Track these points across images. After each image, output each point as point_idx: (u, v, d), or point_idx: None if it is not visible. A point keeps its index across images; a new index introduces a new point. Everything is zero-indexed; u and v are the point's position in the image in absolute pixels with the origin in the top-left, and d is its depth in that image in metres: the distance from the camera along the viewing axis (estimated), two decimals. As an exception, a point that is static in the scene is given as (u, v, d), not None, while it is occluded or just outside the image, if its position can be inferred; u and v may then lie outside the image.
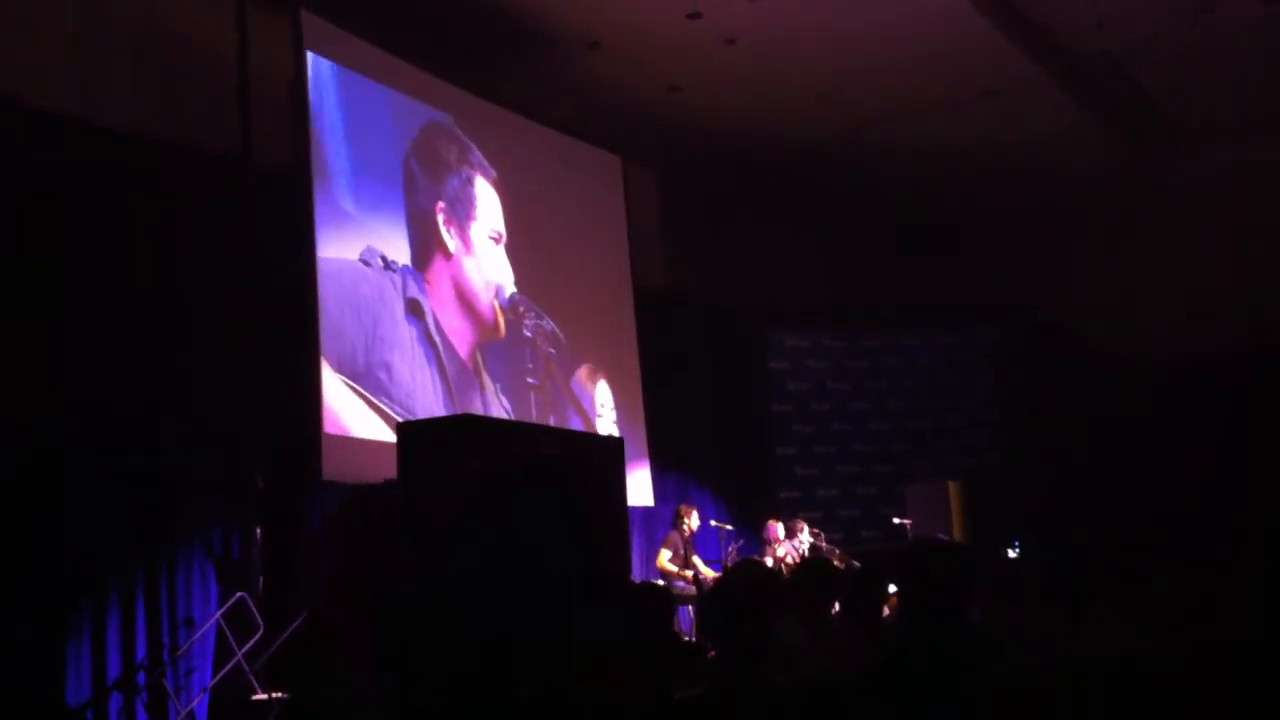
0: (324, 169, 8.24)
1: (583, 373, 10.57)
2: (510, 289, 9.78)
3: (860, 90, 10.66)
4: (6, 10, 6.94)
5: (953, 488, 11.59)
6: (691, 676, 3.40)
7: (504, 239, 9.80)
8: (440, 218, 9.23)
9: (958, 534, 11.08)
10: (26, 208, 6.76)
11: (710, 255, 12.88)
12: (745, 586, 3.94)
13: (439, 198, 9.29)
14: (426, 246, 9.07)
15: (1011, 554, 10.20)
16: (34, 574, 6.39)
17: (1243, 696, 2.88)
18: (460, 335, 9.19)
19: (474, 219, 9.59)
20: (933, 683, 2.88)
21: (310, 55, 8.23)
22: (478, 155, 9.75)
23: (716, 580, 6.67)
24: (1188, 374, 12.08)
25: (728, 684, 2.68)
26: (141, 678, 6.93)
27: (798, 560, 9.79)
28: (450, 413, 8.59)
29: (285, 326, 7.86)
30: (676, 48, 9.77)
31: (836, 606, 4.62)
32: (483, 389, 9.27)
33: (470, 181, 9.66)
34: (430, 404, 8.61)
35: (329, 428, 7.83)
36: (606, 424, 10.53)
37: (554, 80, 10.17)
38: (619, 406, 10.80)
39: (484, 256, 9.60)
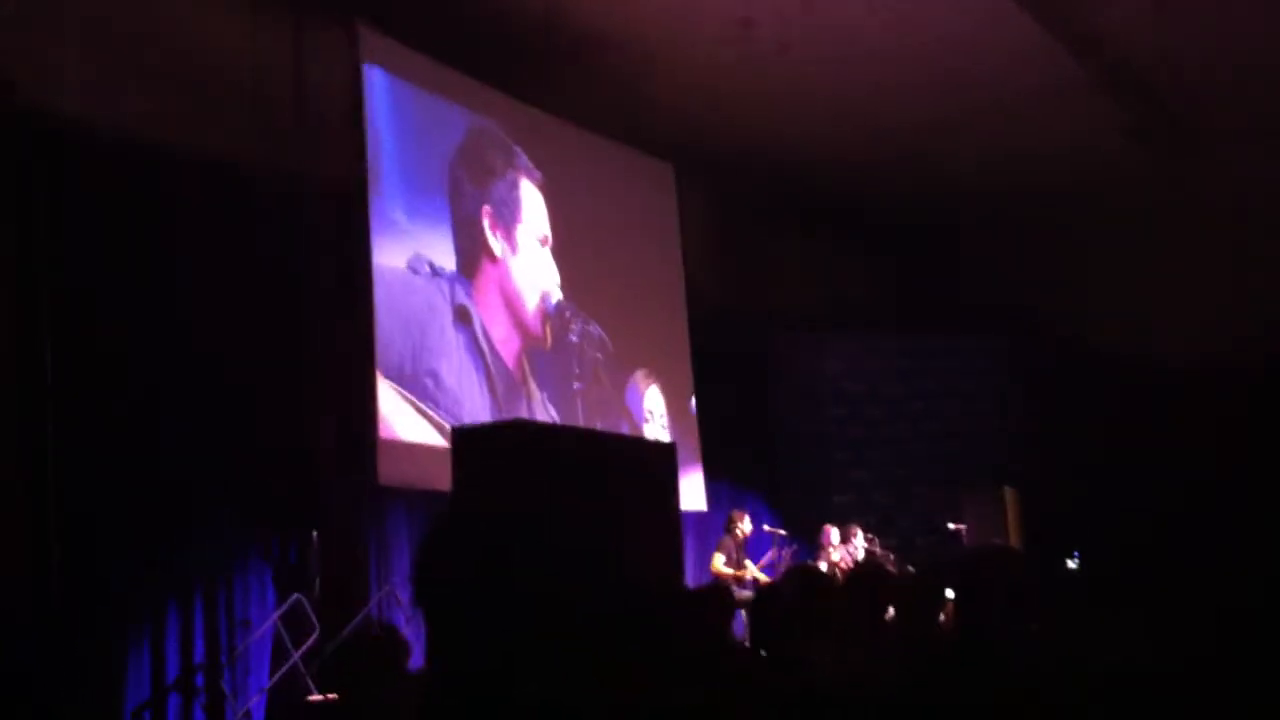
0: (373, 176, 8.30)
1: (636, 377, 10.56)
2: (556, 294, 9.78)
3: (910, 101, 10.58)
4: (68, 42, 7.03)
5: (1009, 494, 11.47)
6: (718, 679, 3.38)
7: (550, 242, 9.81)
8: (486, 222, 9.26)
9: (1013, 540, 10.96)
10: (117, 231, 6.96)
11: (762, 260, 12.84)
12: (800, 594, 3.92)
13: (485, 202, 9.33)
14: (473, 252, 9.10)
15: (1071, 564, 10.05)
16: (96, 578, 6.49)
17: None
18: (507, 343, 9.21)
19: (520, 221, 9.61)
20: (984, 695, 2.84)
21: (364, 66, 8.32)
22: (523, 159, 9.77)
23: (769, 585, 6.64)
24: (1234, 381, 11.88)
25: (727, 687, 2.67)
26: (200, 679, 7.01)
27: (852, 565, 9.74)
28: (497, 420, 8.62)
29: (341, 334, 7.95)
30: (727, 59, 9.74)
31: (891, 612, 4.58)
32: (529, 398, 9.28)
33: (515, 185, 9.68)
34: (477, 412, 8.64)
35: (383, 433, 7.90)
36: (655, 429, 10.51)
37: (606, 88, 10.17)
38: (670, 411, 10.78)
39: (530, 259, 9.62)
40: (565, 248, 9.92)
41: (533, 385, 9.36)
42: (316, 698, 7.00)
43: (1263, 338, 11.81)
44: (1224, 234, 12.21)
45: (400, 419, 8.08)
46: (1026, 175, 12.16)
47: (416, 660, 7.27)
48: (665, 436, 10.31)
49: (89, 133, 6.93)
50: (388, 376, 8.03)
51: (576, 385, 9.87)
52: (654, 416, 10.61)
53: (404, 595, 7.88)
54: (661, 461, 6.72)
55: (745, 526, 9.90)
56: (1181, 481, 11.06)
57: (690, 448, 10.65)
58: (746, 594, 9.24)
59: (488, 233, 9.25)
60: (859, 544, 10.44)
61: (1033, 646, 3.14)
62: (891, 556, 10.43)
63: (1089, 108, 10.81)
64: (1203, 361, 12.04)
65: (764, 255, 12.88)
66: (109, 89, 7.09)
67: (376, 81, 8.49)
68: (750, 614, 4.35)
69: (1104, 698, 2.85)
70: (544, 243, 9.77)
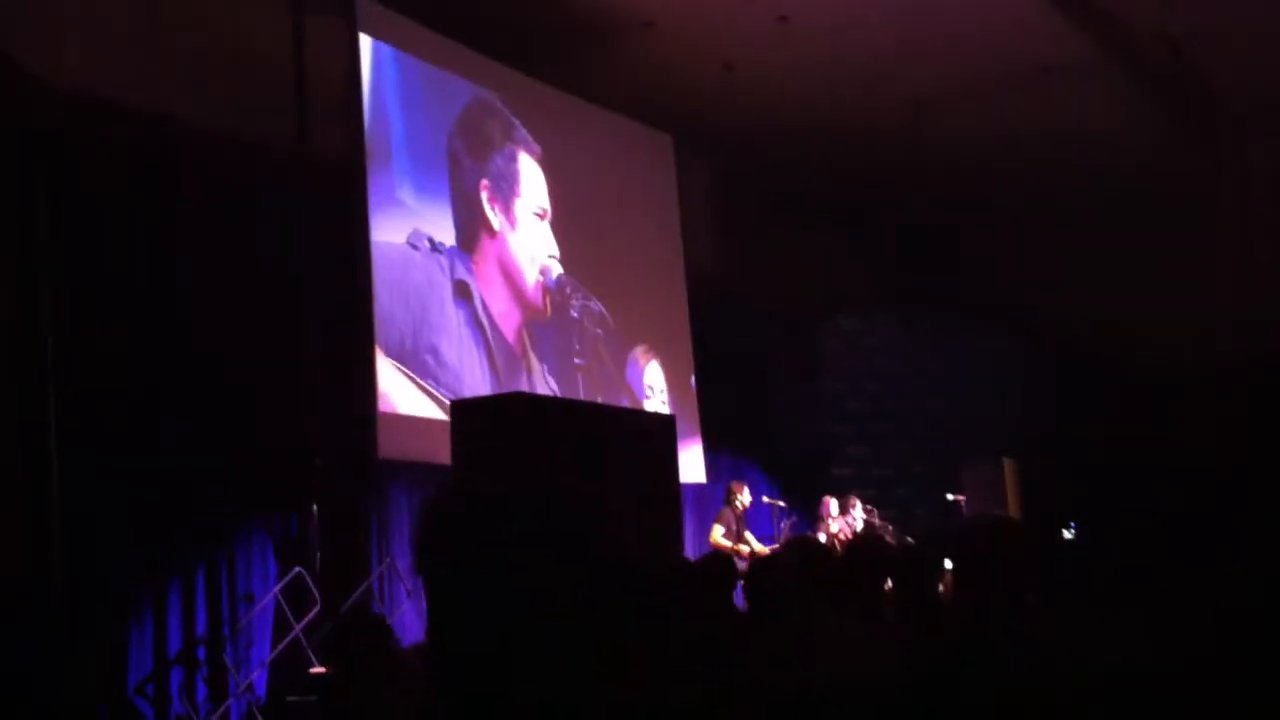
0: (373, 152, 8.28)
1: (636, 353, 10.56)
2: (557, 268, 9.77)
3: (912, 73, 10.51)
4: (67, 10, 7.01)
5: (1008, 465, 11.48)
6: (716, 667, 3.39)
7: (548, 215, 9.79)
8: (484, 195, 9.25)
9: (1012, 512, 10.99)
10: (117, 222, 6.94)
11: (763, 236, 12.81)
12: (798, 564, 3.93)
13: (483, 175, 9.31)
14: (472, 226, 9.09)
15: (1067, 535, 10.07)
16: (99, 552, 6.51)
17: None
18: (507, 317, 9.21)
19: (518, 195, 9.60)
20: (983, 694, 2.84)
21: (363, 38, 8.29)
22: (522, 132, 9.74)
23: (767, 556, 6.66)
24: (1235, 380, 11.82)
25: (730, 685, 2.69)
26: (201, 652, 7.05)
27: (851, 536, 9.77)
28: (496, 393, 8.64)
29: (341, 308, 7.95)
30: (728, 27, 9.68)
31: (889, 584, 4.59)
32: (529, 371, 9.29)
33: (514, 158, 9.66)
34: (477, 386, 8.65)
35: (383, 407, 7.91)
36: (656, 405, 10.52)
37: (607, 60, 10.11)
38: (670, 384, 10.79)
39: (528, 233, 9.60)
40: (565, 222, 9.90)
41: (533, 358, 9.37)
42: (318, 670, 7.03)
43: (1264, 337, 11.72)
44: (1228, 230, 12.13)
45: (401, 395, 8.09)
46: (1027, 162, 12.08)
47: (416, 635, 7.31)
48: (665, 411, 10.32)
49: (88, 123, 6.91)
50: (389, 353, 8.04)
51: (577, 361, 9.87)
52: (654, 392, 10.62)
53: (405, 569, 7.91)
54: (660, 433, 6.74)
55: (744, 498, 9.92)
56: (1181, 480, 11.00)
57: (690, 420, 10.66)
58: (745, 566, 9.28)
59: (486, 207, 9.23)
60: (858, 515, 10.46)
61: (1033, 646, 3.14)
62: (890, 528, 10.45)
63: (1093, 89, 10.74)
64: (1204, 359, 11.99)
65: (765, 237, 12.83)
66: (109, 81, 7.09)
67: (375, 53, 8.45)
68: (748, 584, 4.37)
69: (1104, 698, 2.85)
70: (542, 216, 9.75)
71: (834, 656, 3.45)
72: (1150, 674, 2.87)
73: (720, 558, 5.38)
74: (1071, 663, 2.93)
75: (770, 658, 3.62)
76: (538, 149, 9.82)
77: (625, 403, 10.19)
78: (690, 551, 9.65)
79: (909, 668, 3.04)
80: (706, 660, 3.69)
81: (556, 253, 9.79)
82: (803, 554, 4.23)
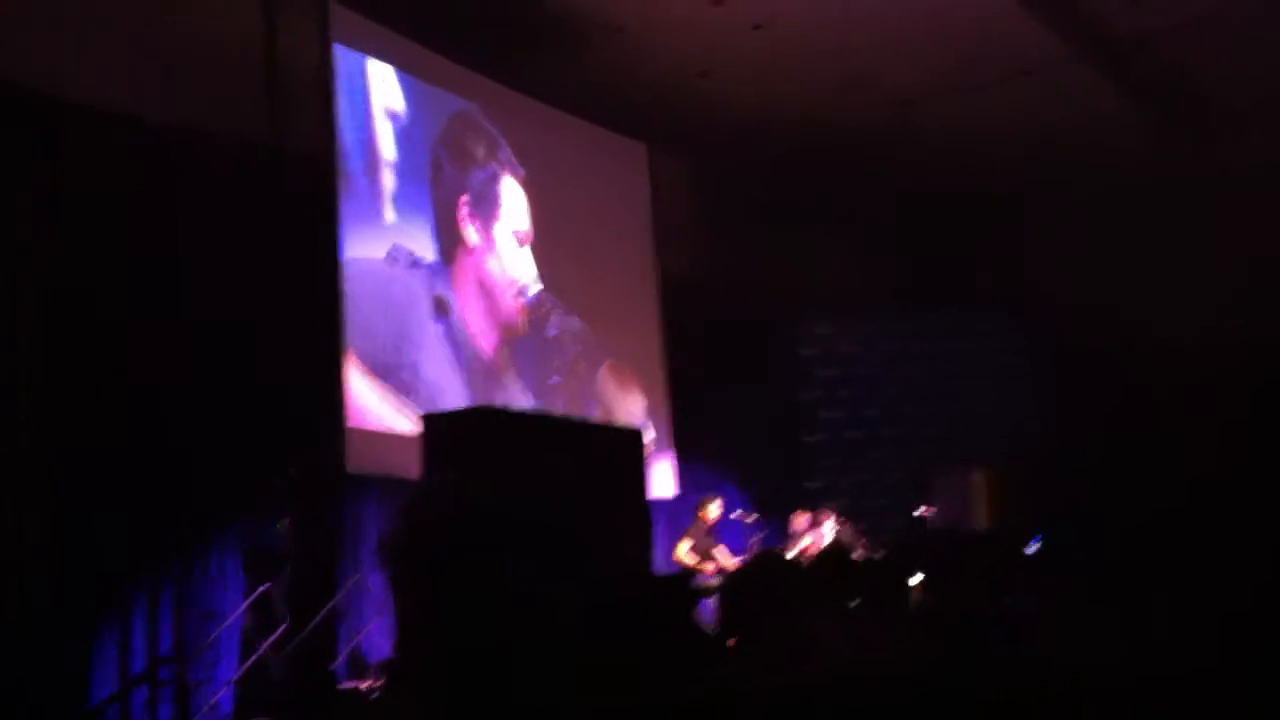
0: (353, 166, 8.27)
1: (608, 370, 10.53)
2: (536, 286, 9.76)
3: (889, 74, 10.53)
4: (42, 9, 6.99)
5: (979, 475, 11.48)
6: (704, 672, 3.38)
7: (530, 239, 9.78)
8: (464, 211, 9.23)
9: (985, 522, 10.98)
10: (110, 225, 6.97)
11: (737, 242, 12.79)
12: (761, 579, 3.93)
13: (463, 190, 9.30)
14: (451, 239, 9.09)
15: (1030, 550, 10.01)
16: (63, 568, 6.45)
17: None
18: (485, 334, 9.21)
19: (498, 218, 9.59)
20: (978, 693, 2.83)
21: (337, 47, 8.26)
22: (506, 151, 9.73)
23: (733, 572, 6.64)
24: (1224, 370, 11.84)
25: (729, 685, 2.68)
26: (167, 670, 6.97)
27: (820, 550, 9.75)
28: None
29: (313, 320, 7.91)
30: (703, 33, 9.69)
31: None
32: (507, 387, 9.28)
33: (496, 178, 9.65)
34: (455, 402, 8.62)
35: (354, 422, 7.87)
36: (630, 417, 10.48)
37: (579, 67, 10.11)
38: (644, 397, 10.78)
39: (507, 255, 9.60)
40: (544, 236, 9.89)
41: (512, 375, 9.35)
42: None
43: (1270, 334, 11.75)
44: (1231, 225, 12.15)
45: (377, 409, 8.07)
46: (1017, 157, 12.11)
47: (385, 651, 7.25)
48: (648, 428, 10.29)
49: (76, 125, 6.91)
50: (369, 368, 8.02)
51: (555, 379, 9.85)
52: (634, 408, 10.60)
53: (375, 583, 7.85)
54: (628, 447, 6.71)
55: (712, 512, 9.85)
56: (1179, 478, 10.99)
57: (663, 433, 10.65)
58: (714, 581, 9.23)
59: (464, 223, 9.23)
60: (828, 529, 10.43)
61: (1002, 649, 3.15)
62: (863, 539, 10.44)
63: (1078, 86, 10.77)
64: (1204, 356, 12.01)
65: (739, 243, 12.82)
66: (97, 83, 7.07)
67: (351, 63, 8.42)
68: (718, 600, 4.36)
69: (1101, 698, 2.86)
70: (523, 240, 9.74)
71: (808, 664, 3.45)
72: (1146, 674, 2.87)
73: (680, 576, 5.37)
74: (1042, 664, 2.93)
75: (736, 668, 3.62)
76: (522, 171, 9.82)
77: (599, 416, 10.17)
78: (660, 566, 9.62)
79: (882, 670, 3.04)
80: (671, 672, 3.68)
81: (536, 276, 9.78)
82: (768, 569, 4.23)
